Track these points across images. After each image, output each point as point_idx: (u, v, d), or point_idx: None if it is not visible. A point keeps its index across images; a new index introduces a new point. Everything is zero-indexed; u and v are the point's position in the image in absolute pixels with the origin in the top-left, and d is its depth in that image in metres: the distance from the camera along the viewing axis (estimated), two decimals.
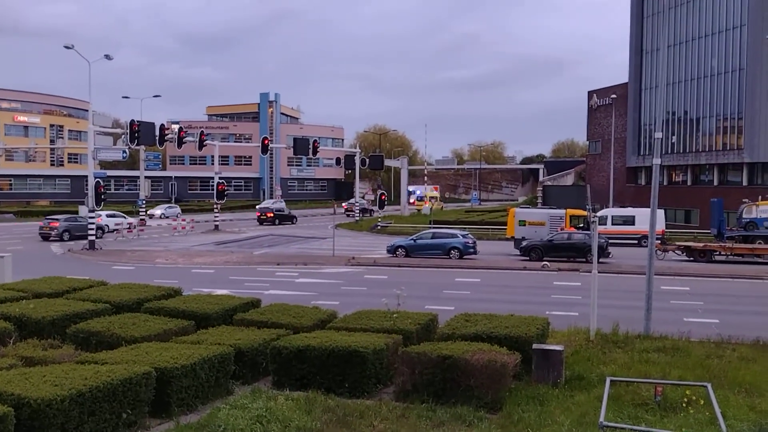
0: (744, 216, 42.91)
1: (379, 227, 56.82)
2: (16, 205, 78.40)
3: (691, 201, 59.97)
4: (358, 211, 69.30)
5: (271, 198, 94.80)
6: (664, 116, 60.42)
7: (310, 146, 58.99)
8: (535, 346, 13.14)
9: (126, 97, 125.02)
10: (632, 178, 70.85)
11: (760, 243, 38.51)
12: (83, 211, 46.61)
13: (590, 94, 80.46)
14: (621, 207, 55.28)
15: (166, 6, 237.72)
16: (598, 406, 10.19)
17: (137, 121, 42.76)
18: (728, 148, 58.04)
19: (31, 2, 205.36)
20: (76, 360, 11.68)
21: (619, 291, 25.89)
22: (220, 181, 55.17)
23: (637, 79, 69.46)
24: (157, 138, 44.85)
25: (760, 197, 43.21)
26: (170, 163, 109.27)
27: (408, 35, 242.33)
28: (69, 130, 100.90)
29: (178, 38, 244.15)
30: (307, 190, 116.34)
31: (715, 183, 59.53)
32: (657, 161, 19.20)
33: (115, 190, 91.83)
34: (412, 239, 39.19)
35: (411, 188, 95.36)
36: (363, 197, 74.62)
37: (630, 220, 46.37)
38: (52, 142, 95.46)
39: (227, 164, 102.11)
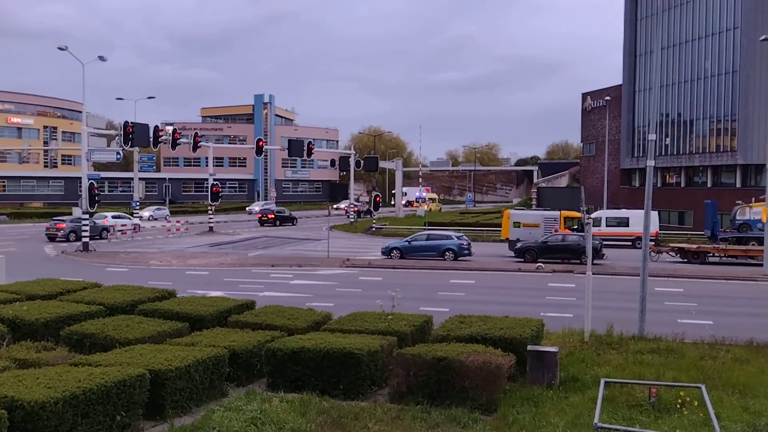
0: (737, 218, 43.02)
1: (373, 229, 56.84)
2: (9, 207, 77.91)
3: (684, 203, 60.13)
4: (352, 212, 69.25)
5: (265, 199, 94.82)
6: (658, 118, 60.59)
7: (305, 148, 58.96)
8: (529, 347, 13.17)
9: (120, 99, 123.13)
10: (626, 180, 71.03)
11: (753, 244, 38.59)
12: (77, 212, 46.47)
13: (584, 96, 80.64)
14: (615, 209, 55.45)
15: (161, 7, 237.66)
16: (592, 408, 10.22)
17: (131, 123, 42.71)
18: (722, 150, 58.27)
19: (24, 3, 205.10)
20: (70, 362, 11.62)
21: (613, 292, 25.89)
22: (215, 182, 55.16)
23: (631, 81, 69.65)
24: (151, 139, 44.71)
25: (753, 199, 43.26)
26: (164, 165, 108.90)
27: (403, 37, 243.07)
28: (63, 132, 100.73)
29: (173, 40, 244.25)
30: (301, 191, 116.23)
31: (709, 185, 59.71)
32: (651, 163, 19.31)
33: (109, 191, 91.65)
34: (406, 241, 39.25)
35: (405, 189, 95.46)
36: (358, 199, 74.65)
37: (624, 222, 46.65)
38: (45, 143, 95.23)
39: (221, 166, 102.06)
